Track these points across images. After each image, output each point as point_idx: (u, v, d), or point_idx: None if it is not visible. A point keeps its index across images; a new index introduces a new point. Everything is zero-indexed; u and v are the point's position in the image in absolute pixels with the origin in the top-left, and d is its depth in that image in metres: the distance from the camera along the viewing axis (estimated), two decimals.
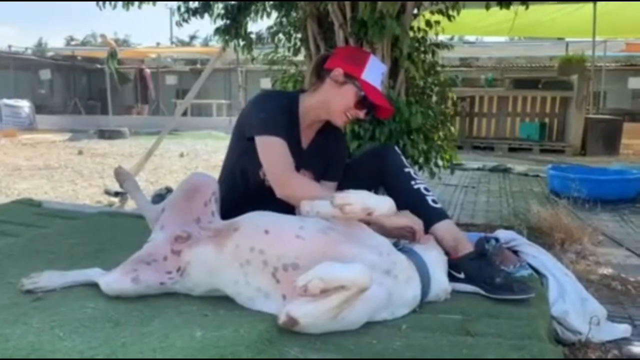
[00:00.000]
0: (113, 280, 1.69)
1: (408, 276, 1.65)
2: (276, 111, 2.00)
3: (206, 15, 3.71)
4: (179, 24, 3.72)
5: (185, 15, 3.71)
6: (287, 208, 1.89)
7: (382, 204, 1.66)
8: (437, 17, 3.59)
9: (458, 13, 3.59)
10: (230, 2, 3.64)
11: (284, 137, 1.95)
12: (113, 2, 3.54)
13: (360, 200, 1.62)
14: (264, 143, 1.96)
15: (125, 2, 3.54)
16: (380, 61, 2.12)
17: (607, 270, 2.74)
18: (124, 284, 1.67)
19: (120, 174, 2.24)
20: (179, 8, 3.70)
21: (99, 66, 16.89)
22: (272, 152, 1.95)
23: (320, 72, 2.09)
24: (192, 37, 32.62)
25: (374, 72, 2.04)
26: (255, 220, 1.69)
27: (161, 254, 1.74)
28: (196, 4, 3.67)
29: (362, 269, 1.42)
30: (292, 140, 2.00)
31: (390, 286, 1.58)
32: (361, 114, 2.05)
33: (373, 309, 1.53)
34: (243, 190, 2.09)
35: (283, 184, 1.92)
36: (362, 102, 2.01)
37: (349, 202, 1.60)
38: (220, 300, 1.67)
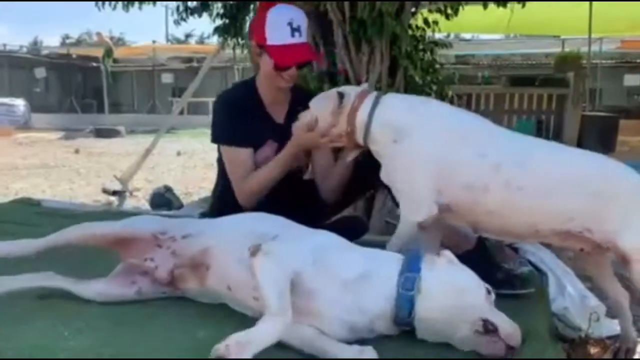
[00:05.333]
0: (114, 294, 1.64)
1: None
2: (230, 113, 2.07)
3: (204, 14, 3.71)
4: (177, 23, 3.72)
5: (184, 14, 3.72)
6: (280, 197, 1.94)
7: None
8: (435, 16, 3.60)
9: (456, 13, 3.60)
10: (229, 1, 3.64)
11: (238, 141, 2.03)
12: (113, 3, 3.53)
13: None
14: (223, 152, 2.10)
15: (125, 2, 3.53)
16: (283, 7, 2.01)
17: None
18: (127, 295, 1.64)
19: None
20: (177, 8, 3.70)
21: (94, 64, 16.84)
22: (228, 161, 2.08)
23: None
24: (188, 35, 32.45)
25: (277, 29, 1.96)
26: (222, 262, 1.54)
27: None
28: (195, 3, 3.66)
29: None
30: (259, 125, 2.07)
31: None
32: (292, 72, 2.00)
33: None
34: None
35: (238, 193, 2.04)
36: (279, 67, 1.99)
37: None
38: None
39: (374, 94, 1.81)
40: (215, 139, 2.11)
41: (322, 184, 2.18)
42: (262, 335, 1.20)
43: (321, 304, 1.35)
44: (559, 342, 1.80)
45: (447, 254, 1.47)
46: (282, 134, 2.07)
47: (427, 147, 1.65)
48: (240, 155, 2.05)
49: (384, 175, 1.75)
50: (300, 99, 2.14)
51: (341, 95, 1.78)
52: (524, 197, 1.58)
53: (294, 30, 1.97)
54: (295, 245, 1.46)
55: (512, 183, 1.58)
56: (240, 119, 2.06)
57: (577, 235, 1.60)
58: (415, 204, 1.68)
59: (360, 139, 1.78)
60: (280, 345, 1.36)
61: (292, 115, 2.10)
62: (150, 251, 1.64)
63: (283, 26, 1.96)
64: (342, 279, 1.39)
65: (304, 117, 1.89)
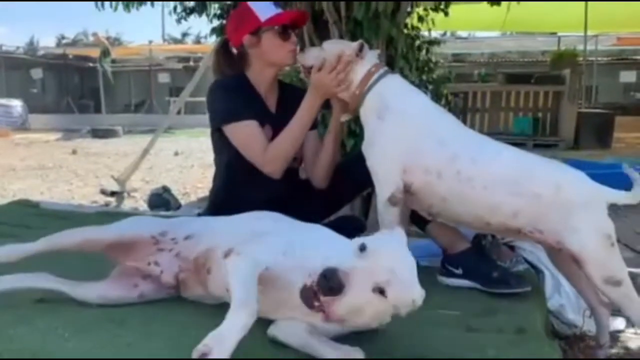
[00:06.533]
0: (115, 296, 1.64)
1: None
2: (229, 94, 2.11)
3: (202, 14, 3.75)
4: (178, 22, 3.78)
5: (183, 14, 3.76)
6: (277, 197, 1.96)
7: None
8: (430, 13, 3.62)
9: (447, 8, 3.63)
10: (226, 1, 3.66)
11: (245, 115, 2.06)
12: (114, 4, 3.55)
13: None
14: (231, 131, 2.08)
15: (126, 3, 3.55)
16: None
17: None
18: (129, 298, 1.64)
19: None
20: (175, 8, 3.74)
21: (91, 65, 16.81)
22: (241, 138, 2.08)
23: (236, 55, 2.19)
24: (185, 35, 32.47)
25: (264, 7, 2.12)
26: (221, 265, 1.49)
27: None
28: (192, 3, 3.70)
29: None
30: (257, 109, 2.11)
31: None
32: (293, 39, 2.13)
33: None
34: (242, 177, 2.12)
35: (263, 164, 2.05)
36: (282, 32, 2.10)
37: None
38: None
39: (385, 68, 1.96)
40: (222, 121, 2.09)
41: (311, 169, 2.21)
42: (232, 327, 1.21)
43: (296, 296, 1.34)
44: (555, 339, 1.82)
45: (398, 230, 1.44)
46: (275, 123, 2.11)
47: (400, 131, 1.83)
48: (253, 128, 2.06)
49: (363, 147, 1.93)
50: (289, 91, 2.25)
51: (361, 47, 1.91)
52: (471, 188, 1.72)
53: (277, 5, 2.16)
54: (270, 240, 1.47)
55: (463, 173, 1.73)
56: (241, 98, 2.10)
57: (529, 235, 1.73)
58: (384, 179, 1.86)
59: (357, 103, 1.92)
60: (280, 345, 1.39)
61: (284, 106, 2.17)
62: (153, 254, 1.63)
63: (267, 4, 2.15)
64: (307, 269, 1.34)
65: (312, 51, 2.03)
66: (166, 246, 1.64)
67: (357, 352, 1.31)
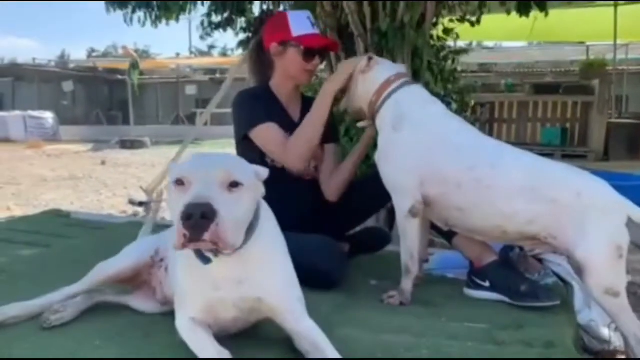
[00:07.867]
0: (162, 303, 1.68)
1: None
2: (252, 102, 2.16)
3: (228, 29, 3.80)
4: (202, 38, 3.86)
5: (209, 30, 3.83)
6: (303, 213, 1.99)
7: None
8: (456, 24, 3.61)
9: (478, 21, 3.60)
10: (252, 15, 3.71)
11: (267, 119, 2.10)
12: (142, 19, 3.64)
13: None
14: (255, 135, 2.12)
15: (154, 18, 3.63)
16: (298, 11, 2.25)
17: (634, 278, 2.71)
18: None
19: None
20: (202, 23, 3.83)
21: (120, 77, 17.16)
22: (264, 137, 2.12)
23: (265, 57, 2.23)
24: (211, 47, 32.95)
25: (300, 23, 2.16)
26: None
27: None
28: (219, 18, 3.76)
29: None
30: (280, 117, 2.15)
31: None
32: (317, 62, 2.17)
33: None
34: (269, 189, 2.13)
35: (286, 160, 2.09)
36: (308, 53, 2.14)
37: None
38: None
39: (406, 78, 1.96)
40: (248, 127, 2.12)
41: (326, 183, 2.23)
42: None
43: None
44: (585, 354, 1.79)
45: None
46: (294, 130, 2.13)
47: (416, 142, 1.82)
48: (276, 129, 2.10)
49: (377, 156, 1.92)
50: (311, 104, 2.23)
51: (370, 59, 1.96)
52: (491, 196, 1.72)
53: (313, 24, 2.19)
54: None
55: (482, 182, 1.72)
56: (264, 105, 2.15)
57: (544, 242, 1.71)
58: (402, 192, 1.85)
59: (374, 111, 1.94)
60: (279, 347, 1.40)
61: (303, 115, 2.19)
62: (148, 273, 1.69)
63: (304, 20, 2.18)
64: None
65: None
66: (154, 270, 1.67)
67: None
